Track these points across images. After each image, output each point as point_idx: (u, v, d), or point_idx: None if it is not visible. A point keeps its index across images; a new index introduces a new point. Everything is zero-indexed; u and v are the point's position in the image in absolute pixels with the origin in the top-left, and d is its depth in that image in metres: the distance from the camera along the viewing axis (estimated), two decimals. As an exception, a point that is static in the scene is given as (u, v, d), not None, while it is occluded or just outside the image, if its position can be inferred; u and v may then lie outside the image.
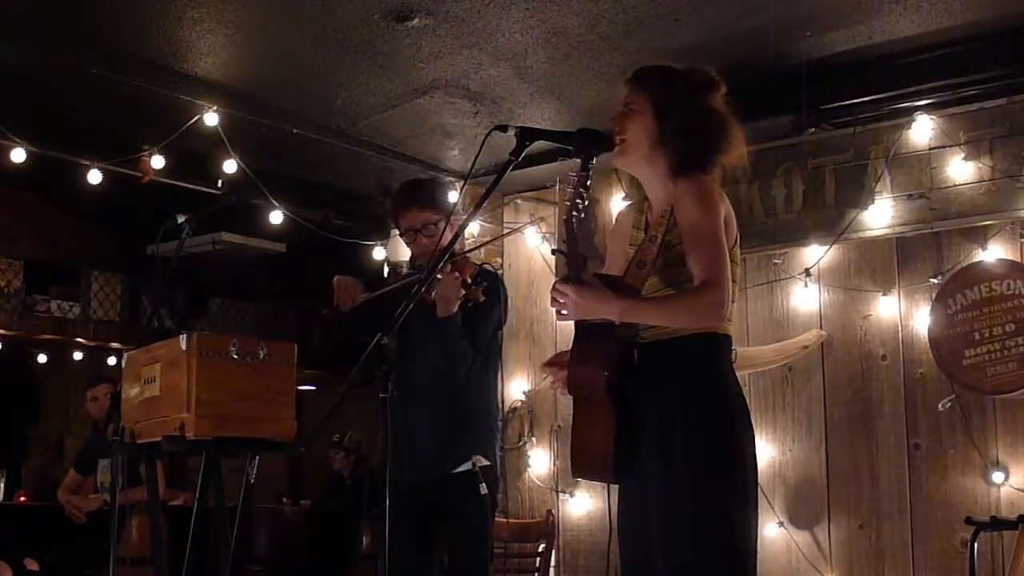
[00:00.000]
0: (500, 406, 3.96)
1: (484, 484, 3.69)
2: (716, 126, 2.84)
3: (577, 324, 2.78)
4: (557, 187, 5.91)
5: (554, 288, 2.71)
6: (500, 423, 3.93)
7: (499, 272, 3.92)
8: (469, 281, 3.48)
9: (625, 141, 2.84)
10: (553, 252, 2.80)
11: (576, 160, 2.76)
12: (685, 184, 2.77)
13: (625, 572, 2.83)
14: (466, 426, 3.76)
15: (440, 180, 4.05)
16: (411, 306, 2.69)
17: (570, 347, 2.80)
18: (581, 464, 2.83)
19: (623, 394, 2.74)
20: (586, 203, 2.73)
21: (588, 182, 2.74)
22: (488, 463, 3.76)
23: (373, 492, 2.81)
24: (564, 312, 2.70)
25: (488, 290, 3.61)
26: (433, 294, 3.54)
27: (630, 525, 2.82)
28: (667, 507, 2.68)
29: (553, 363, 2.90)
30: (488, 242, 5.93)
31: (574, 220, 2.72)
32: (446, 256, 3.13)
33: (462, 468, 3.72)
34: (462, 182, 6.18)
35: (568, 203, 2.74)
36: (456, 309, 3.56)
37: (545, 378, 2.92)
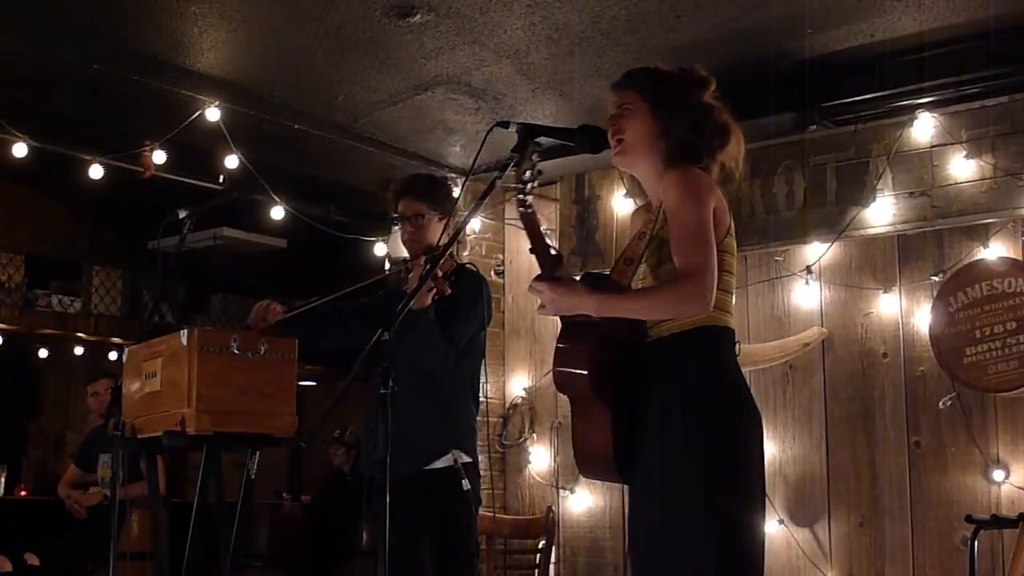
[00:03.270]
0: (479, 407, 3.99)
1: (466, 480, 3.72)
2: (712, 122, 2.84)
3: (561, 322, 2.79)
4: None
5: (530, 286, 2.73)
6: (478, 422, 3.97)
7: (476, 270, 3.96)
8: (440, 274, 3.50)
9: (623, 141, 2.84)
10: (530, 251, 2.81)
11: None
12: (670, 175, 2.76)
13: (633, 570, 2.83)
14: (441, 423, 3.78)
15: (442, 179, 4.08)
16: (411, 303, 2.69)
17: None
18: (585, 465, 2.82)
19: (628, 392, 2.74)
20: (529, 195, 2.73)
21: (528, 174, 2.73)
22: (469, 460, 3.79)
23: (372, 487, 2.81)
24: (544, 308, 2.73)
25: (463, 287, 3.66)
26: (409, 288, 3.58)
27: (638, 523, 2.81)
28: (672, 504, 2.67)
29: None
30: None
31: (528, 215, 2.74)
32: (442, 257, 3.16)
33: (441, 464, 3.76)
34: (463, 178, 6.18)
35: (515, 199, 2.74)
36: (428, 303, 3.57)
37: (547, 373, 2.93)
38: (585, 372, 2.69)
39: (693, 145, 2.82)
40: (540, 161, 2.78)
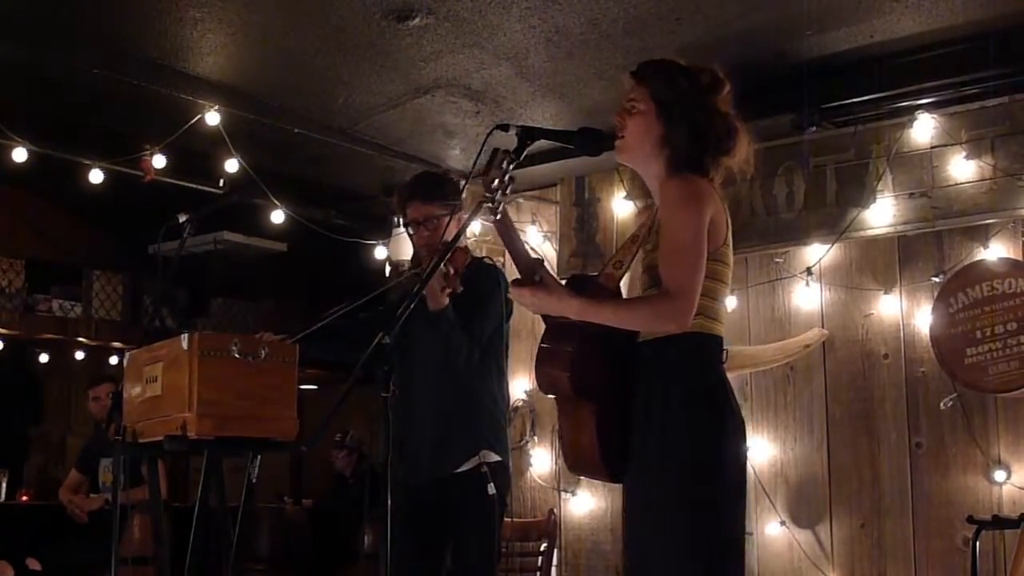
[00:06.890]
0: (507, 404, 3.94)
1: (492, 484, 3.65)
2: (719, 128, 2.80)
3: (545, 322, 2.80)
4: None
5: (510, 293, 2.75)
6: (508, 420, 3.91)
7: (500, 265, 3.93)
8: (452, 272, 3.48)
9: (625, 139, 2.82)
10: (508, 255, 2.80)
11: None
12: (669, 185, 2.75)
13: (625, 571, 2.84)
14: (469, 422, 3.73)
15: (448, 176, 4.05)
16: (412, 306, 2.69)
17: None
18: (575, 462, 2.84)
19: (621, 388, 2.74)
20: (499, 203, 2.66)
21: (496, 183, 2.64)
22: (498, 458, 3.72)
23: (375, 491, 2.81)
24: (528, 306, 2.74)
25: (480, 281, 3.65)
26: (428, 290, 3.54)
27: (627, 523, 2.83)
28: (653, 505, 2.68)
29: None
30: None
31: (497, 223, 2.73)
32: (447, 253, 3.14)
33: (468, 466, 3.70)
34: (463, 181, 6.18)
35: (485, 208, 2.68)
36: (445, 301, 3.56)
37: None
38: (567, 374, 2.71)
39: (696, 154, 2.78)
40: (513, 169, 2.67)
